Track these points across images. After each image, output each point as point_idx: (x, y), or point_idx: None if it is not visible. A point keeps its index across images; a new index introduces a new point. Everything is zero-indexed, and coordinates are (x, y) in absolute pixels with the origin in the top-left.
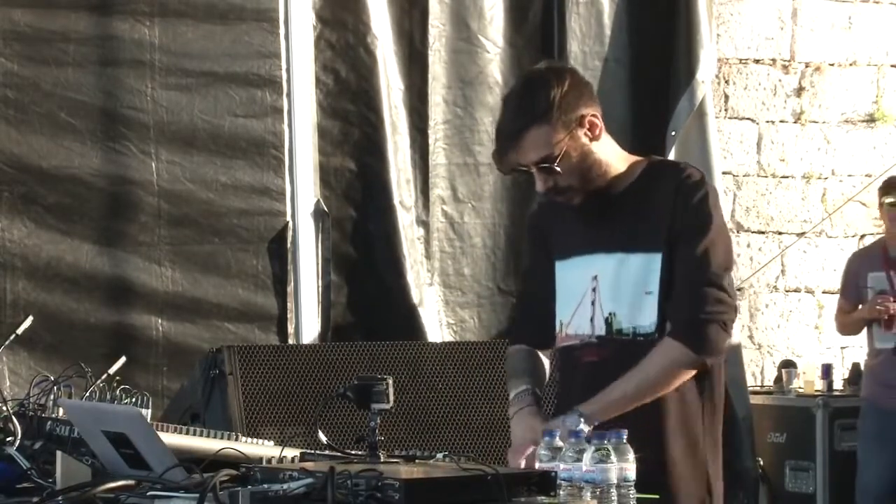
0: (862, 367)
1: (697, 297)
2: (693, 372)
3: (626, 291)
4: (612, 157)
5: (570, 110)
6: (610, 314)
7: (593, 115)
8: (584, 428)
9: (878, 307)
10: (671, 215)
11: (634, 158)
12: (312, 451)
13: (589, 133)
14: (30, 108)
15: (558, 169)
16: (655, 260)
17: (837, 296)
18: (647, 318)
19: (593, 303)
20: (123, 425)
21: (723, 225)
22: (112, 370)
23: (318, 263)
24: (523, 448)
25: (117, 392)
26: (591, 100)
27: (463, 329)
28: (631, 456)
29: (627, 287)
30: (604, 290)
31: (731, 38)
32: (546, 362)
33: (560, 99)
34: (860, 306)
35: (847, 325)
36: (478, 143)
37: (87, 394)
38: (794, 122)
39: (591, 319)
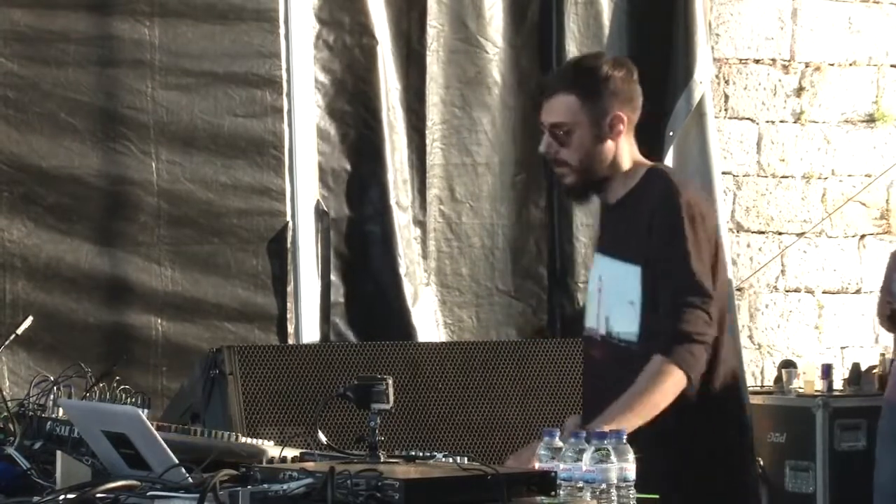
0: (862, 368)
1: (692, 318)
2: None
3: (617, 298)
4: (624, 155)
5: (601, 102)
6: (606, 317)
7: (619, 117)
8: None
9: (882, 310)
10: (649, 231)
11: (642, 161)
12: (312, 451)
13: (608, 129)
14: (30, 109)
15: (561, 137)
16: (636, 273)
17: (839, 295)
18: (629, 325)
19: (599, 303)
20: (123, 425)
21: (704, 245)
22: (112, 370)
23: (318, 263)
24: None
25: (117, 392)
26: (628, 101)
27: (461, 329)
28: (631, 456)
29: (618, 293)
30: (605, 292)
31: (731, 38)
32: None
33: (603, 84)
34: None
35: (883, 324)
36: (476, 144)
37: (87, 394)
38: (794, 122)
39: (598, 317)
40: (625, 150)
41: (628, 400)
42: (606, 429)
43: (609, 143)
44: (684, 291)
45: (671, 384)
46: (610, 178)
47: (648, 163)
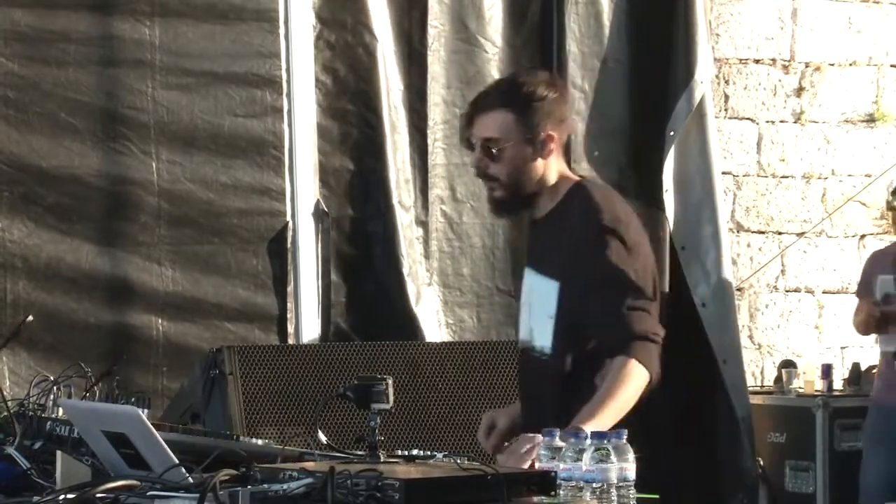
0: (862, 368)
1: (641, 318)
2: None
3: (538, 311)
4: (551, 172)
5: (535, 122)
6: (531, 329)
7: (550, 136)
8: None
9: (871, 311)
10: (572, 247)
11: (569, 177)
12: (312, 451)
13: (540, 148)
14: (30, 108)
15: (493, 153)
16: (554, 289)
17: (839, 295)
18: (545, 339)
19: (529, 315)
20: (123, 425)
21: (635, 253)
22: (112, 370)
23: (317, 263)
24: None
25: (117, 392)
26: (560, 122)
27: (462, 329)
28: (631, 456)
29: (539, 307)
30: (532, 305)
31: (731, 38)
32: None
33: (537, 105)
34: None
35: (859, 325)
36: None
37: (87, 394)
38: (794, 122)
39: (530, 330)
40: (552, 168)
41: (599, 402)
42: (583, 426)
43: (539, 162)
44: (626, 296)
45: (636, 381)
46: (538, 195)
47: (575, 178)
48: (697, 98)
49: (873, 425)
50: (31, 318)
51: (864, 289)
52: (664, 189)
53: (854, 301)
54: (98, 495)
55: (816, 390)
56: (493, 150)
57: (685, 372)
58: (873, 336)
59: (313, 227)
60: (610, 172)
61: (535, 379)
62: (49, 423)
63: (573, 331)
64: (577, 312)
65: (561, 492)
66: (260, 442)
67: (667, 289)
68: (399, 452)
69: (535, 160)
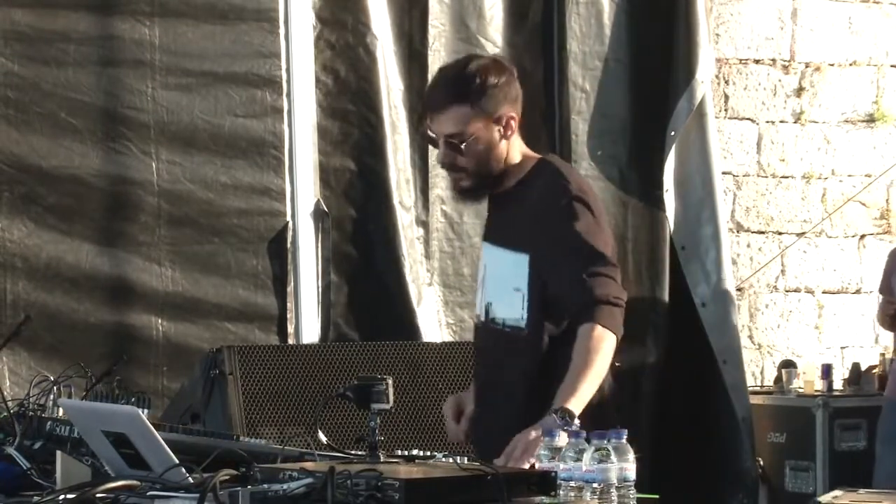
0: (862, 368)
1: (604, 282)
2: None
3: (501, 284)
4: (515, 151)
5: (495, 105)
6: (488, 303)
7: (512, 117)
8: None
9: (885, 310)
10: (539, 217)
11: (531, 155)
12: (312, 451)
13: (502, 130)
14: (30, 108)
15: (462, 148)
16: (523, 261)
17: (839, 295)
18: (514, 311)
19: (483, 290)
20: (123, 425)
21: (600, 223)
22: (112, 370)
23: (318, 263)
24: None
25: (117, 392)
26: (515, 101)
27: (462, 329)
28: (631, 456)
29: (502, 280)
30: (488, 280)
31: (731, 38)
32: None
33: (491, 91)
34: None
35: (883, 323)
36: None
37: (87, 394)
38: (794, 122)
39: (480, 304)
40: (515, 147)
41: (575, 374)
42: (567, 404)
43: (503, 144)
44: (590, 262)
45: (607, 346)
46: (504, 175)
47: (537, 155)
48: (698, 98)
49: (888, 423)
50: (28, 317)
51: (885, 287)
52: (664, 189)
53: (854, 301)
54: (98, 495)
55: (816, 390)
56: (459, 145)
57: (685, 372)
58: (873, 336)
59: (313, 227)
60: (611, 172)
61: (492, 349)
62: (49, 423)
63: (549, 300)
64: (550, 281)
65: (561, 492)
66: (261, 442)
67: (667, 289)
68: (399, 452)
69: (499, 143)
